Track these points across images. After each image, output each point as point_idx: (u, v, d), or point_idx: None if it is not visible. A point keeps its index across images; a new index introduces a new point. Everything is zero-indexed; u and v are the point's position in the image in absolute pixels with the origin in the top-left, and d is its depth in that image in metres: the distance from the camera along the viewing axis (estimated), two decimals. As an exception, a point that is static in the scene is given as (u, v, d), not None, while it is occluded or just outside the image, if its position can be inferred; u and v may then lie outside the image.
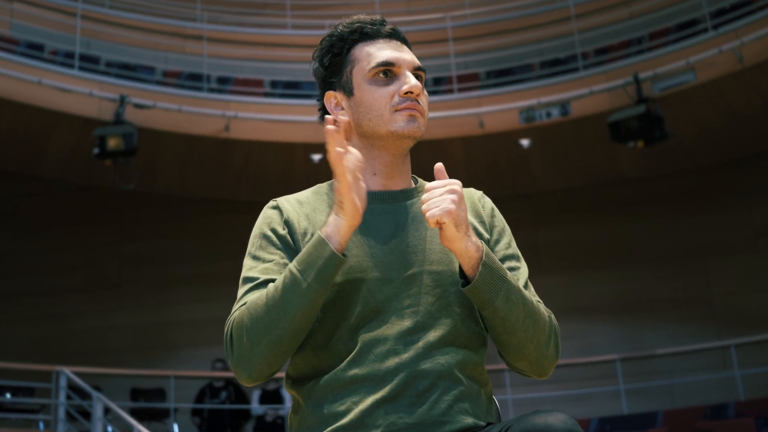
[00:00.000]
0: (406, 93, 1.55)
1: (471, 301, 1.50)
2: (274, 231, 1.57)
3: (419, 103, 1.57)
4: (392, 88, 1.57)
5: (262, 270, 1.53)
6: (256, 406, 9.27)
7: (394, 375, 1.45)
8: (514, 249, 1.64)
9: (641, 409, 9.33)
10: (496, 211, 1.67)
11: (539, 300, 1.57)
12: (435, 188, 1.46)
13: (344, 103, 1.61)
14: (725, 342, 9.46)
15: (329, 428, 1.45)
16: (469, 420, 1.46)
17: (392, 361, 1.45)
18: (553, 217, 10.66)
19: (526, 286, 1.58)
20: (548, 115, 9.15)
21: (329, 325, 1.50)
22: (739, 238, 10.27)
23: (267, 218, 1.60)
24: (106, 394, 8.46)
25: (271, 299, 1.44)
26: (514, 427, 1.33)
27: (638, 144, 8.76)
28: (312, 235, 1.54)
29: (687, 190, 10.42)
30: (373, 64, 1.58)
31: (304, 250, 1.45)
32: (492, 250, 1.59)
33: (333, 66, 1.62)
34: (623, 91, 8.87)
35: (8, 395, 8.75)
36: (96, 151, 8.54)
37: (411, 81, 1.56)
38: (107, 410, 8.10)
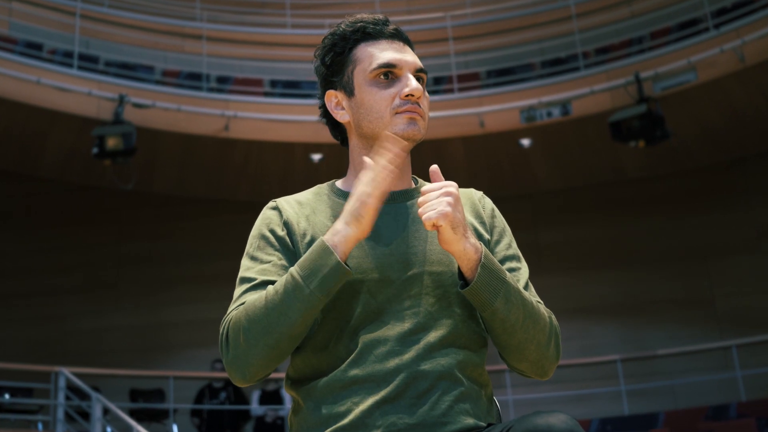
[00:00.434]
0: (406, 96, 1.55)
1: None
2: (272, 232, 1.57)
3: (420, 105, 1.56)
4: (393, 90, 1.56)
5: (260, 271, 1.53)
6: (255, 407, 9.24)
7: (394, 376, 1.45)
8: (515, 249, 1.64)
9: (642, 410, 9.31)
10: (497, 212, 1.67)
11: (539, 301, 1.56)
12: (430, 191, 1.46)
13: (345, 103, 1.61)
14: (727, 342, 9.43)
15: (329, 429, 1.45)
16: (469, 420, 1.46)
17: (392, 362, 1.45)
18: (554, 217, 10.64)
19: (526, 286, 1.58)
20: (549, 114, 9.13)
21: (329, 326, 1.50)
22: (740, 238, 10.25)
23: (266, 219, 1.59)
24: (105, 394, 8.44)
25: (271, 302, 1.43)
26: (515, 427, 1.33)
27: (639, 144, 8.75)
28: (312, 237, 1.55)
29: (688, 190, 10.40)
30: (374, 65, 1.57)
31: (307, 256, 1.45)
32: (492, 250, 1.60)
33: (334, 65, 1.61)
34: (624, 91, 8.85)
35: (7, 396, 8.73)
36: (95, 150, 8.52)
37: (412, 84, 1.55)
38: (106, 411, 8.08)
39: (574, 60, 9.88)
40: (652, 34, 10.05)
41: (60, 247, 10.80)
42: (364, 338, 1.47)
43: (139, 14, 10.57)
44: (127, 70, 9.80)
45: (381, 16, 1.62)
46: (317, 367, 1.50)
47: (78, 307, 10.64)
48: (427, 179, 1.63)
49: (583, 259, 10.52)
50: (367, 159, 1.48)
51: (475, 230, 1.59)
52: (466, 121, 9.31)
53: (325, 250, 1.42)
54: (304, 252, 1.53)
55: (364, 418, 1.43)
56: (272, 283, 1.50)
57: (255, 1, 11.72)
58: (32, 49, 9.55)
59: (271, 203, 1.62)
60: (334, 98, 1.62)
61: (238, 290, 1.53)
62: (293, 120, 9.24)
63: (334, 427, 1.45)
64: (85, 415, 8.27)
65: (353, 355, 1.47)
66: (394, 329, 1.47)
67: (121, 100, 8.66)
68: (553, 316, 1.56)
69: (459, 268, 1.48)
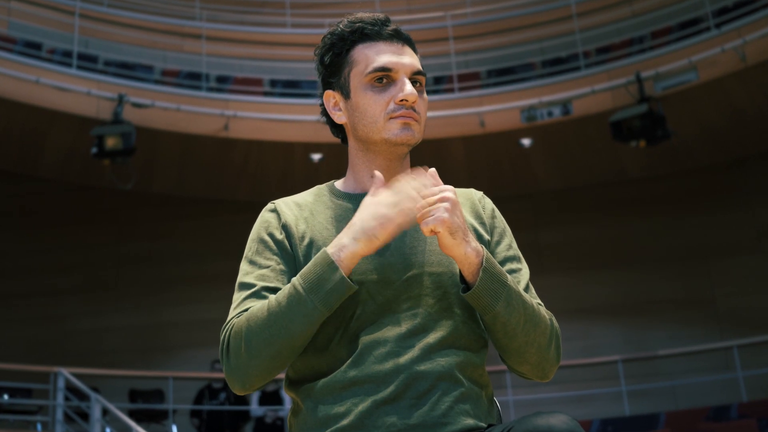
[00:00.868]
0: (400, 101, 1.53)
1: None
2: (271, 235, 1.56)
3: (415, 110, 1.55)
4: (387, 94, 1.55)
5: (258, 276, 1.52)
6: (255, 408, 9.22)
7: (394, 377, 1.44)
8: (515, 250, 1.63)
9: (643, 411, 9.30)
10: (497, 212, 1.66)
11: (540, 303, 1.55)
12: (428, 196, 1.45)
13: (342, 105, 1.60)
14: (728, 343, 9.42)
15: (329, 430, 1.45)
16: (469, 421, 1.45)
17: (392, 363, 1.45)
18: (555, 217, 10.63)
19: (527, 288, 1.58)
20: (550, 114, 9.12)
21: (329, 328, 1.48)
22: (742, 238, 10.24)
23: (264, 222, 1.59)
24: (104, 395, 8.43)
25: (273, 313, 1.43)
26: (515, 428, 1.32)
27: (640, 143, 8.74)
28: (311, 239, 1.54)
29: (689, 190, 10.39)
30: (370, 68, 1.55)
31: (311, 268, 1.44)
32: (493, 251, 1.59)
33: (332, 66, 1.60)
34: (625, 90, 8.83)
35: (6, 396, 8.72)
36: (94, 150, 8.50)
37: (407, 89, 1.53)
38: (105, 411, 8.08)
39: (574, 59, 9.86)
40: (653, 34, 10.04)
41: (59, 247, 10.78)
42: (364, 339, 1.47)
43: (139, 14, 10.56)
44: (126, 69, 9.79)
45: (381, 16, 1.60)
46: (317, 368, 1.50)
47: (77, 307, 10.63)
48: None
49: (583, 259, 10.51)
50: (377, 173, 1.47)
51: (475, 231, 1.58)
52: (466, 121, 9.30)
53: (330, 266, 1.42)
54: (303, 254, 1.53)
55: (364, 419, 1.43)
56: (271, 289, 1.50)
57: (255, 0, 11.70)
58: (31, 48, 9.54)
59: (269, 205, 1.61)
60: (332, 98, 1.61)
61: (237, 296, 1.52)
62: (293, 120, 9.22)
63: (333, 428, 1.44)
64: (84, 416, 8.26)
65: (353, 356, 1.46)
66: (393, 330, 1.47)
67: (121, 100, 8.64)
68: (554, 319, 1.55)
69: (460, 272, 1.47)
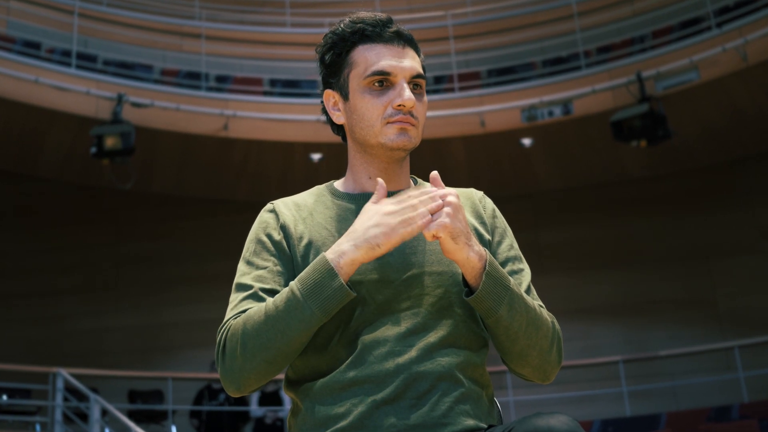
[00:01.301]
0: (398, 106, 1.53)
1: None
2: (269, 236, 1.56)
3: (413, 115, 1.54)
4: (385, 98, 1.54)
5: (256, 277, 1.52)
6: (255, 408, 9.20)
7: (394, 377, 1.44)
8: (516, 251, 1.63)
9: (644, 411, 9.29)
10: (497, 212, 1.66)
11: (541, 305, 1.56)
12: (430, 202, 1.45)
13: (341, 105, 1.60)
14: (729, 343, 9.40)
15: (328, 430, 1.44)
16: (470, 422, 1.45)
17: (392, 363, 1.44)
18: (555, 217, 10.62)
19: (528, 290, 1.58)
20: (550, 114, 9.10)
21: (329, 328, 1.48)
22: (743, 238, 10.22)
23: (263, 223, 1.59)
24: (104, 395, 8.41)
25: (270, 317, 1.43)
26: (516, 428, 1.32)
27: (641, 143, 8.72)
28: (309, 240, 1.54)
29: (690, 190, 10.37)
30: (368, 72, 1.55)
31: (309, 273, 1.43)
32: (494, 251, 1.59)
33: (333, 65, 1.60)
34: (626, 90, 8.81)
35: (5, 397, 8.70)
36: (93, 150, 8.48)
37: (405, 95, 1.53)
38: (104, 412, 8.07)
39: (575, 59, 9.85)
40: (654, 33, 10.02)
41: (58, 247, 10.76)
42: (364, 339, 1.46)
43: (138, 13, 10.54)
44: (125, 69, 9.77)
45: (383, 17, 1.59)
46: (316, 368, 1.49)
47: (76, 307, 10.61)
48: (427, 179, 1.63)
49: (584, 259, 10.49)
50: (380, 181, 1.47)
51: (476, 230, 1.58)
52: (466, 121, 9.28)
53: (329, 272, 1.41)
54: (301, 255, 1.52)
55: (364, 419, 1.42)
56: (268, 291, 1.50)
57: (254, -1, 11.69)
58: (30, 48, 9.52)
59: (268, 206, 1.61)
60: (331, 98, 1.61)
61: (234, 297, 1.52)
62: (293, 119, 9.20)
63: (333, 428, 1.44)
64: (84, 417, 8.24)
65: (352, 356, 1.46)
66: (393, 330, 1.47)
67: (120, 100, 8.62)
68: (556, 321, 1.56)
69: (463, 276, 1.47)
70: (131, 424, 7.73)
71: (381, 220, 1.41)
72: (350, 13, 1.61)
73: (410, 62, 1.56)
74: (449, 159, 9.65)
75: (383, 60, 1.55)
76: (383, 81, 1.54)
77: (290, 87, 10.17)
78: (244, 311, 1.47)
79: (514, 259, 1.61)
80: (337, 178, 1.67)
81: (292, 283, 1.44)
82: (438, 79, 10.16)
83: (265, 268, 1.52)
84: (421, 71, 1.57)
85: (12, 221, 10.82)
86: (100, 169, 9.27)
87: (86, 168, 9.62)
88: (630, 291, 10.32)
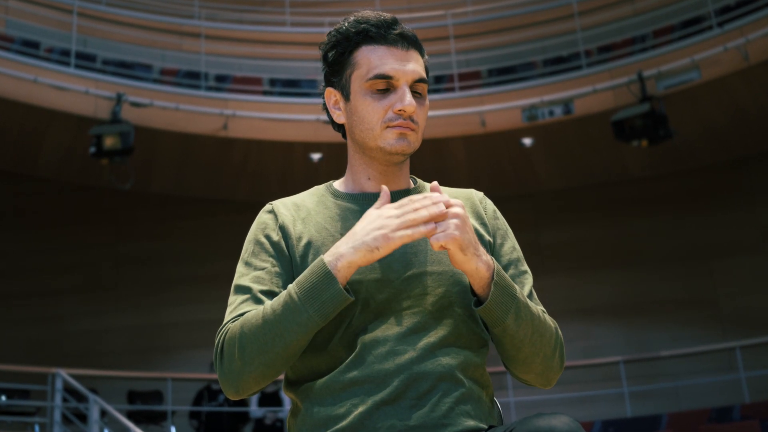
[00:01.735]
0: (399, 111, 1.52)
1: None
2: (268, 237, 1.56)
3: (413, 120, 1.54)
4: (386, 102, 1.53)
5: (254, 279, 1.52)
6: (254, 409, 9.19)
7: (394, 377, 1.43)
8: (518, 253, 1.63)
9: (645, 412, 9.28)
10: (498, 214, 1.66)
11: (544, 310, 1.56)
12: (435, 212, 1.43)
13: (341, 105, 1.60)
14: (730, 344, 9.39)
15: (328, 431, 1.44)
16: (470, 422, 1.45)
17: (392, 363, 1.44)
18: (556, 217, 10.60)
19: (530, 294, 1.58)
20: (551, 113, 9.08)
21: (329, 328, 1.47)
22: (744, 238, 10.21)
23: (261, 223, 1.59)
24: (103, 396, 8.40)
25: (267, 321, 1.42)
26: (517, 429, 1.32)
27: (642, 143, 8.71)
28: (308, 240, 1.54)
29: (692, 190, 10.36)
30: (370, 74, 1.54)
31: (307, 277, 1.42)
32: (496, 253, 1.60)
33: (335, 64, 1.59)
34: (627, 90, 8.80)
35: (3, 398, 8.68)
36: (92, 150, 8.47)
37: (406, 100, 1.52)
38: (103, 413, 8.06)
39: (576, 58, 9.83)
40: (655, 33, 10.00)
41: (57, 247, 10.74)
42: (364, 339, 1.46)
43: (137, 12, 10.53)
44: (124, 68, 9.75)
45: (388, 17, 1.57)
46: (316, 369, 1.49)
47: (75, 308, 10.59)
48: (427, 179, 1.65)
49: (585, 259, 10.48)
50: (384, 187, 1.45)
51: (476, 231, 1.57)
52: (467, 120, 9.27)
53: (327, 275, 1.40)
54: (300, 255, 1.52)
55: (364, 419, 1.42)
56: (267, 292, 1.49)
57: (254, -2, 11.68)
58: (29, 47, 9.50)
59: (267, 206, 1.61)
60: (333, 97, 1.61)
61: (232, 299, 1.52)
62: (292, 119, 9.18)
63: (333, 429, 1.43)
64: (83, 417, 8.24)
65: (352, 356, 1.46)
66: (393, 329, 1.46)
67: (119, 99, 8.60)
68: (558, 327, 1.56)
69: (470, 285, 1.47)
70: (130, 424, 7.71)
71: (381, 223, 1.40)
72: (350, 12, 1.60)
73: (413, 66, 1.55)
74: (449, 159, 9.63)
75: (386, 63, 1.53)
76: (385, 84, 1.53)
77: (290, 86, 10.15)
78: (242, 314, 1.47)
79: (517, 261, 1.61)
80: (337, 177, 1.66)
81: (290, 286, 1.43)
82: (438, 79, 10.14)
83: (263, 269, 1.52)
84: (423, 75, 1.56)
85: (11, 221, 10.81)
86: (99, 169, 9.26)
87: (85, 168, 9.60)
88: (631, 291, 10.31)
